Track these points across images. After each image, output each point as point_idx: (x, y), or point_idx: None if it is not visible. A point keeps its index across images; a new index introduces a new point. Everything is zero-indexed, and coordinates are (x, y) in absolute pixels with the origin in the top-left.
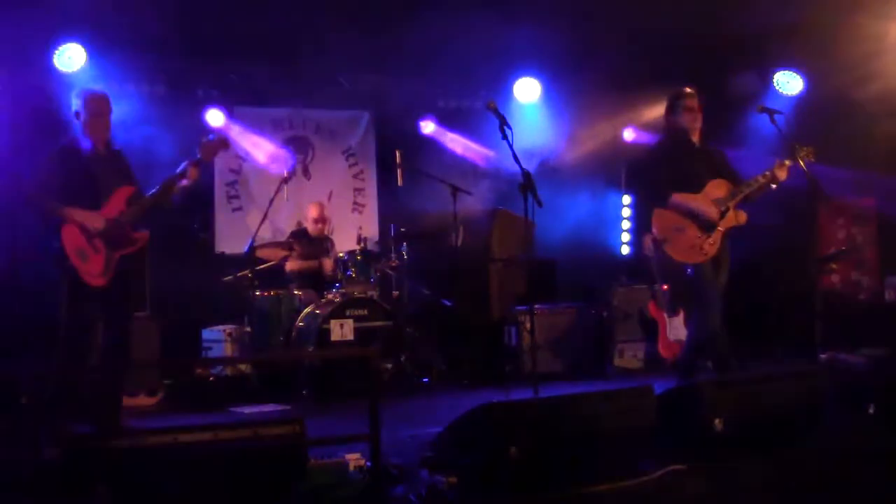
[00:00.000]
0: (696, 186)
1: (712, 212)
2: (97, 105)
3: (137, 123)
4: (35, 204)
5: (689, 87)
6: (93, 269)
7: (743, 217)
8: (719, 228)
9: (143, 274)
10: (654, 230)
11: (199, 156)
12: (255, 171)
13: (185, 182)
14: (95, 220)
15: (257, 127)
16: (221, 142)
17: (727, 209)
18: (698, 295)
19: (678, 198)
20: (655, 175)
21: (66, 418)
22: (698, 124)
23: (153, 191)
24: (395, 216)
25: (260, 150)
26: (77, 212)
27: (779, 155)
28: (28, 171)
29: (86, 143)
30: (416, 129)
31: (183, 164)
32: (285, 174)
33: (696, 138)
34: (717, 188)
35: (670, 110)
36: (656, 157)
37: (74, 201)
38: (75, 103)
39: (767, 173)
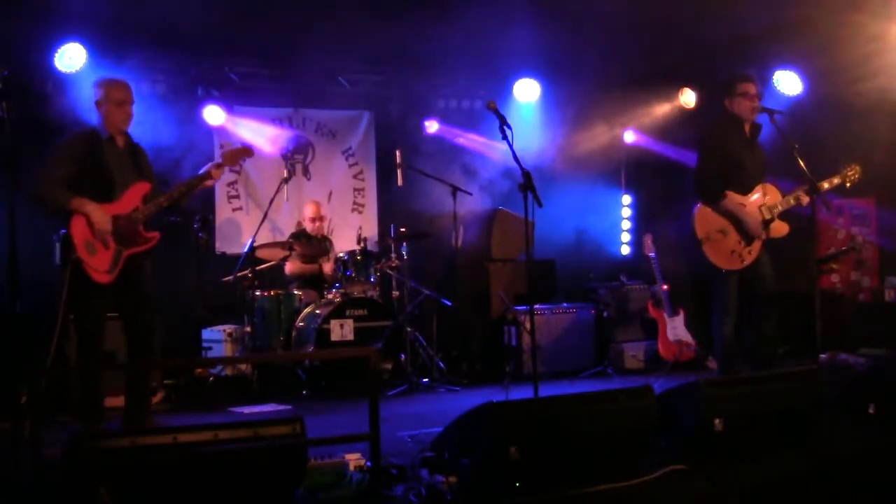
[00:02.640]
0: (746, 187)
1: (757, 224)
2: (120, 93)
3: (137, 123)
4: (42, 192)
5: (749, 72)
6: (99, 264)
7: (785, 229)
8: (762, 238)
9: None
10: (697, 228)
11: (220, 160)
12: (256, 171)
13: (209, 184)
14: (103, 220)
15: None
16: (244, 150)
17: (772, 219)
18: (719, 300)
19: (729, 202)
20: (708, 167)
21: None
22: (755, 114)
23: (171, 190)
24: (395, 216)
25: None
26: (88, 204)
27: (779, 156)
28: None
29: (104, 134)
30: (417, 128)
31: (205, 167)
32: (285, 174)
33: (748, 129)
34: (765, 193)
35: (727, 94)
36: (709, 147)
37: (87, 192)
38: (97, 92)
39: (812, 193)
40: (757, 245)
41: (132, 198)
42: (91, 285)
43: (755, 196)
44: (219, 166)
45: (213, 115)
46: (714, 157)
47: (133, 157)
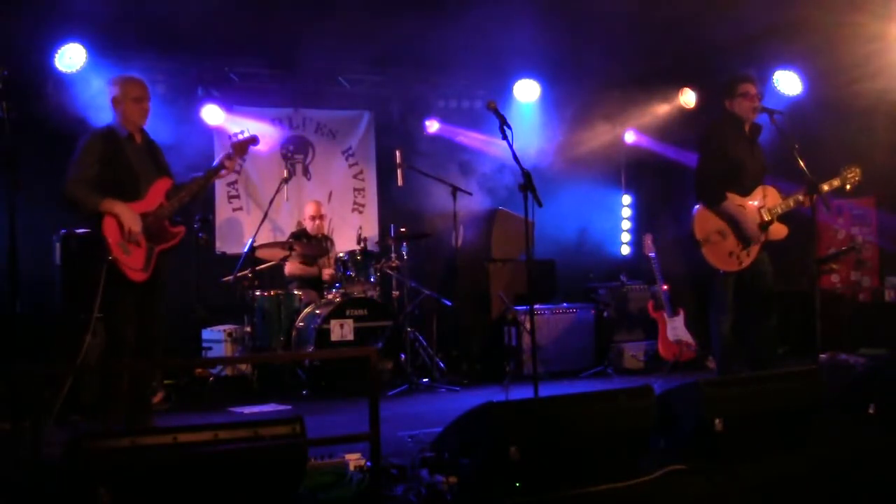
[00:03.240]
0: (747, 188)
1: (755, 227)
2: (137, 89)
3: None
4: (75, 196)
5: (748, 73)
6: (134, 263)
7: (783, 231)
8: (760, 240)
9: None
10: (696, 230)
11: (231, 150)
12: (256, 171)
13: (223, 175)
14: (134, 220)
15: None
16: (251, 138)
17: (771, 221)
18: (716, 301)
19: (729, 204)
20: (709, 168)
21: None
22: (756, 114)
23: (189, 185)
24: (395, 216)
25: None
26: (118, 205)
27: (779, 156)
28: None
29: (122, 132)
30: (417, 128)
31: (218, 159)
32: (285, 174)
33: (748, 129)
34: (764, 195)
35: (727, 94)
36: (710, 148)
37: (114, 191)
38: (112, 90)
39: (811, 193)
40: (755, 247)
41: (156, 194)
42: (126, 284)
43: (755, 199)
44: (230, 157)
45: (213, 114)
46: (715, 157)
47: (151, 153)
